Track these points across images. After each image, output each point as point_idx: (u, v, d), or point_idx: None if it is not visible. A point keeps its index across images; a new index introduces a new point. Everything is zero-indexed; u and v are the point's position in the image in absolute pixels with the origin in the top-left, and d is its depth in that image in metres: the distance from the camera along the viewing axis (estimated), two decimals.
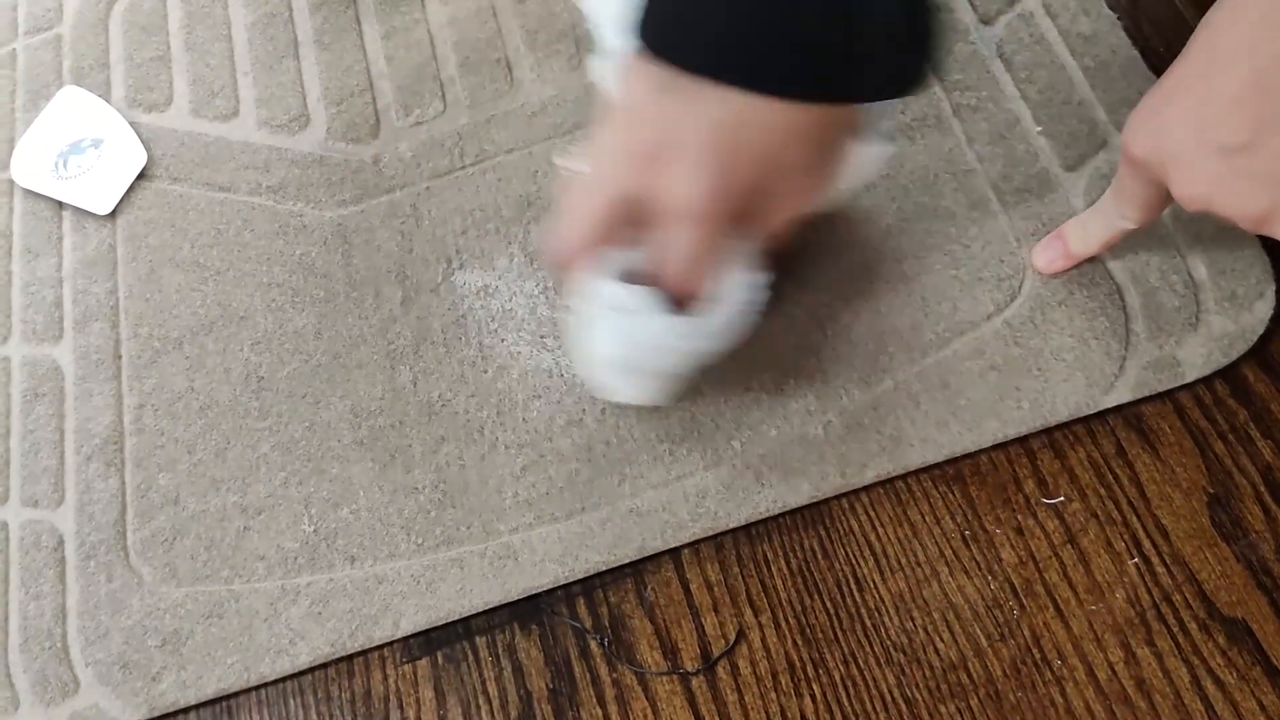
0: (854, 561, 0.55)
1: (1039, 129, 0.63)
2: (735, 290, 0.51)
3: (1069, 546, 0.54)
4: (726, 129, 0.43)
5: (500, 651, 0.56)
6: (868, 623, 0.54)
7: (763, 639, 0.54)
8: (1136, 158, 0.49)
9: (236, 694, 0.57)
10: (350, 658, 0.57)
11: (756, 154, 0.44)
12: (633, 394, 0.58)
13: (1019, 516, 0.55)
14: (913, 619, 0.54)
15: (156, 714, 0.56)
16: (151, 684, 0.56)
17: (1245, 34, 0.43)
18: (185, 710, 0.57)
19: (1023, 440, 0.57)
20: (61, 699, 0.56)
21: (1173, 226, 0.59)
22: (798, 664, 0.54)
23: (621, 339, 0.52)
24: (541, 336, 0.62)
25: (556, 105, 0.69)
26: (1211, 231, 0.59)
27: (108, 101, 0.73)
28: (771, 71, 0.42)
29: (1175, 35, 0.46)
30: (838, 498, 0.57)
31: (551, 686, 0.55)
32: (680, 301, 0.50)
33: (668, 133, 0.44)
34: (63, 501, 0.61)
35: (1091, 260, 0.59)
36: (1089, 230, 0.57)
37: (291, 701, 0.56)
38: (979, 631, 0.53)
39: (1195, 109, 0.45)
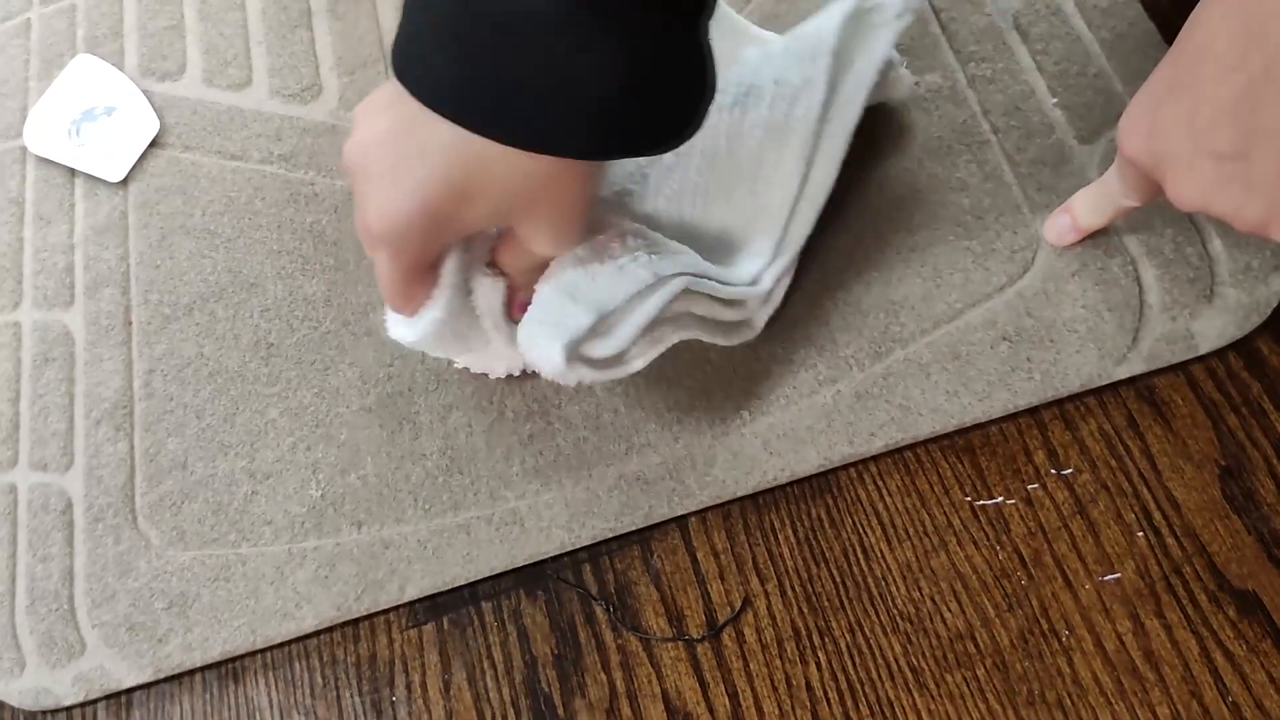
0: (861, 530, 0.55)
1: (1054, 101, 0.63)
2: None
3: (1079, 518, 0.54)
4: (413, 155, 0.44)
5: (506, 617, 0.56)
6: (874, 591, 0.54)
7: (769, 607, 0.54)
8: (1131, 157, 0.48)
9: (242, 656, 0.57)
10: (356, 622, 0.57)
11: (441, 187, 0.44)
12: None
13: (1029, 487, 0.55)
14: (920, 588, 0.54)
15: (162, 676, 0.56)
16: (158, 646, 0.56)
17: (1238, 40, 0.42)
18: (191, 672, 0.57)
19: (1033, 411, 0.57)
20: (68, 660, 0.57)
21: None
22: (803, 632, 0.53)
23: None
24: None
25: None
26: None
27: (121, 70, 0.73)
28: (470, 111, 0.42)
29: (1191, 8, 0.46)
30: (846, 467, 0.57)
31: (556, 652, 0.55)
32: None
33: (366, 148, 0.46)
34: (71, 465, 0.61)
35: (1105, 232, 0.59)
36: (1096, 203, 0.57)
37: (297, 665, 0.56)
38: (986, 601, 0.53)
39: (1188, 114, 0.44)
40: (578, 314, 0.48)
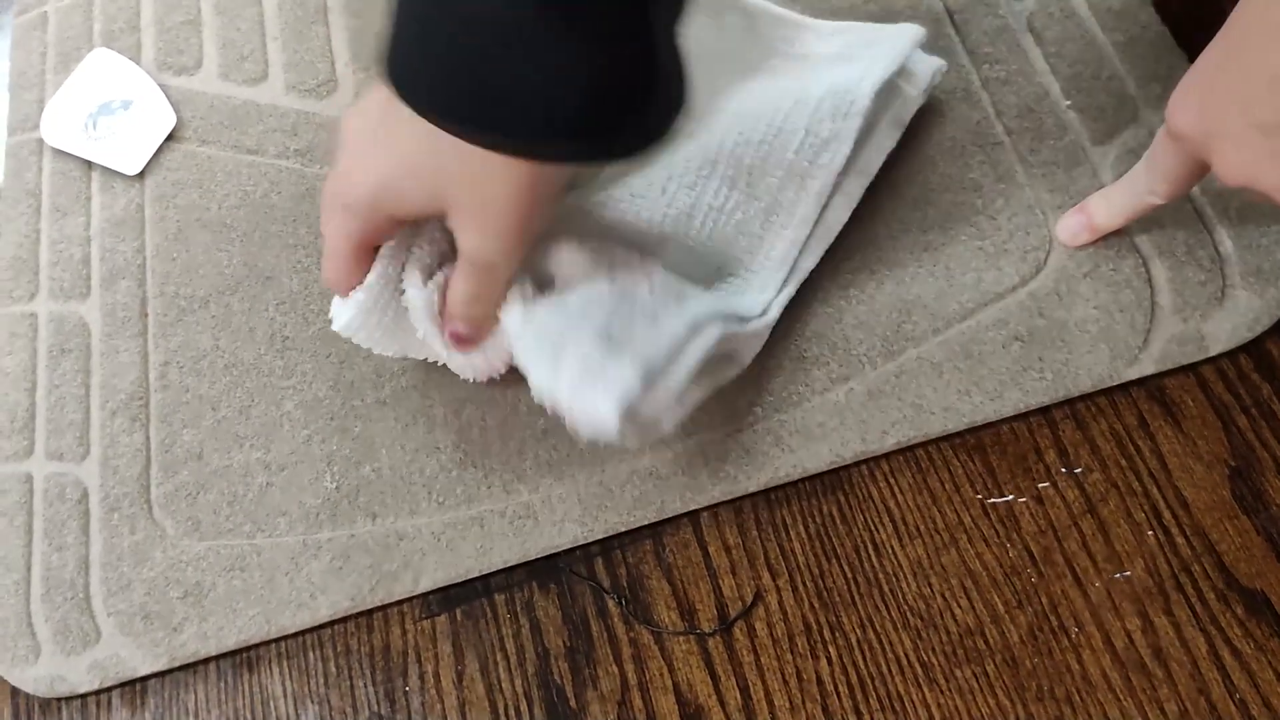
0: (872, 527, 0.56)
1: (1068, 103, 0.63)
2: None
3: (1089, 516, 0.54)
4: (377, 131, 0.49)
5: (519, 609, 0.56)
6: (885, 588, 0.54)
7: (780, 601, 0.55)
8: (1180, 132, 0.48)
9: (257, 646, 0.57)
10: (370, 613, 0.57)
11: (399, 158, 0.48)
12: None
13: (1039, 486, 0.55)
14: (930, 585, 0.54)
15: (177, 664, 0.57)
16: (173, 634, 0.57)
17: None
18: (206, 661, 0.57)
19: (1045, 410, 0.57)
20: (83, 648, 0.57)
21: (1200, 201, 0.59)
22: (814, 627, 0.54)
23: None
24: None
25: None
26: (1239, 206, 0.59)
27: (138, 64, 0.74)
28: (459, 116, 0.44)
29: (1203, 11, 0.46)
30: (858, 464, 0.57)
31: (569, 644, 0.55)
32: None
33: (345, 132, 0.51)
34: (87, 455, 0.62)
35: (1118, 233, 0.59)
36: (1114, 203, 0.57)
37: (311, 654, 0.56)
38: (996, 598, 0.53)
39: (1239, 86, 0.44)
40: (624, 373, 0.48)
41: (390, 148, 0.48)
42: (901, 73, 0.60)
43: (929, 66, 0.61)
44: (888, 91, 0.59)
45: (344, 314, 0.53)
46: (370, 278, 0.52)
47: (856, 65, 0.59)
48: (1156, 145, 0.52)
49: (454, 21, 0.42)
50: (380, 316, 0.53)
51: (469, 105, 0.43)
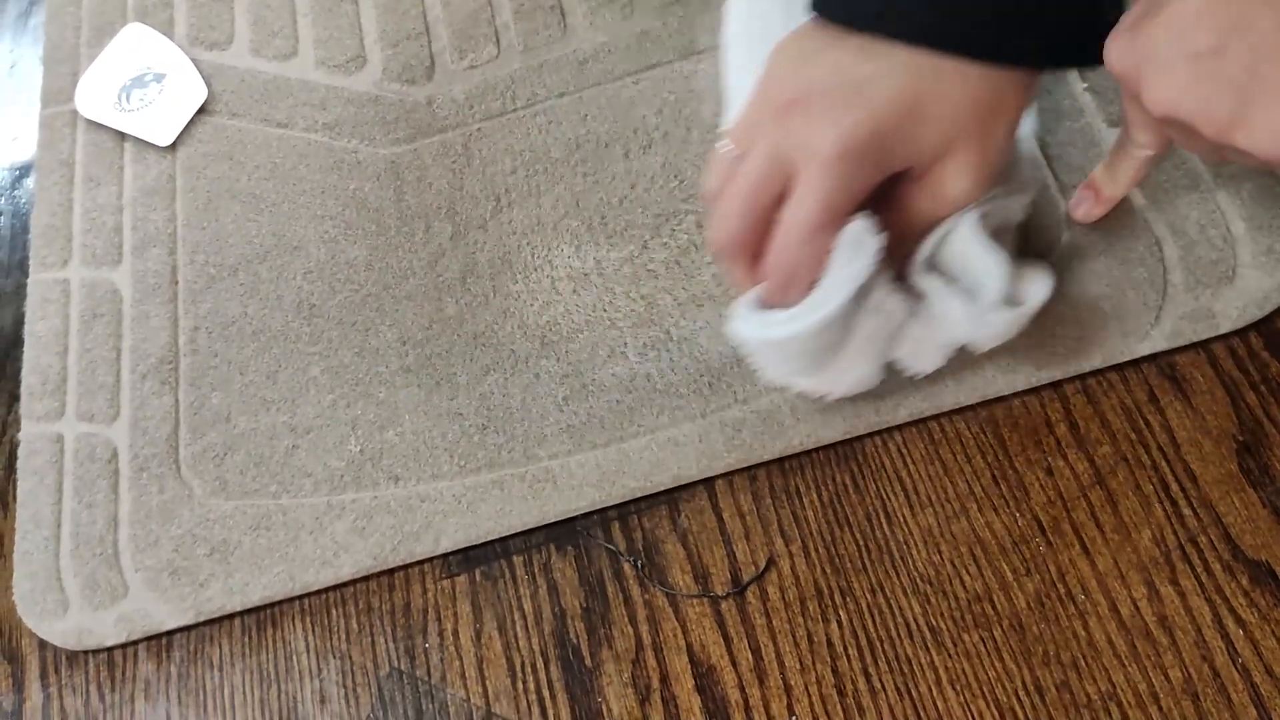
0: (884, 496, 0.57)
1: (1084, 85, 0.64)
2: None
3: (1097, 488, 0.55)
4: (866, 80, 0.48)
5: (536, 570, 0.57)
6: (896, 554, 0.55)
7: (792, 567, 0.56)
8: (1115, 70, 0.49)
9: (281, 602, 0.58)
10: (391, 572, 0.58)
11: (898, 106, 0.48)
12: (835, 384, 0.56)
13: (1049, 458, 0.56)
14: (940, 552, 0.55)
15: (202, 619, 0.58)
16: (199, 590, 0.58)
17: None
18: (230, 616, 0.58)
19: (1056, 385, 0.58)
20: (110, 602, 0.58)
21: (1213, 182, 0.60)
22: (826, 591, 0.55)
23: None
24: (585, 274, 0.63)
25: (608, 52, 0.70)
26: (1250, 188, 0.59)
27: (170, 39, 0.75)
28: (943, 29, 0.46)
29: None
30: (871, 435, 0.58)
31: (585, 605, 0.56)
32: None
33: (810, 84, 0.49)
34: (118, 417, 0.63)
35: (1131, 213, 0.60)
36: (1114, 170, 0.57)
37: (334, 611, 0.58)
38: (1005, 566, 0.54)
39: (1169, 19, 0.45)
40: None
41: (880, 92, 0.47)
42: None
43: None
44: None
45: (794, 324, 0.50)
46: (845, 280, 0.48)
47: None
48: (1121, 95, 0.53)
49: None
50: (835, 328, 0.50)
51: (977, 24, 0.46)
